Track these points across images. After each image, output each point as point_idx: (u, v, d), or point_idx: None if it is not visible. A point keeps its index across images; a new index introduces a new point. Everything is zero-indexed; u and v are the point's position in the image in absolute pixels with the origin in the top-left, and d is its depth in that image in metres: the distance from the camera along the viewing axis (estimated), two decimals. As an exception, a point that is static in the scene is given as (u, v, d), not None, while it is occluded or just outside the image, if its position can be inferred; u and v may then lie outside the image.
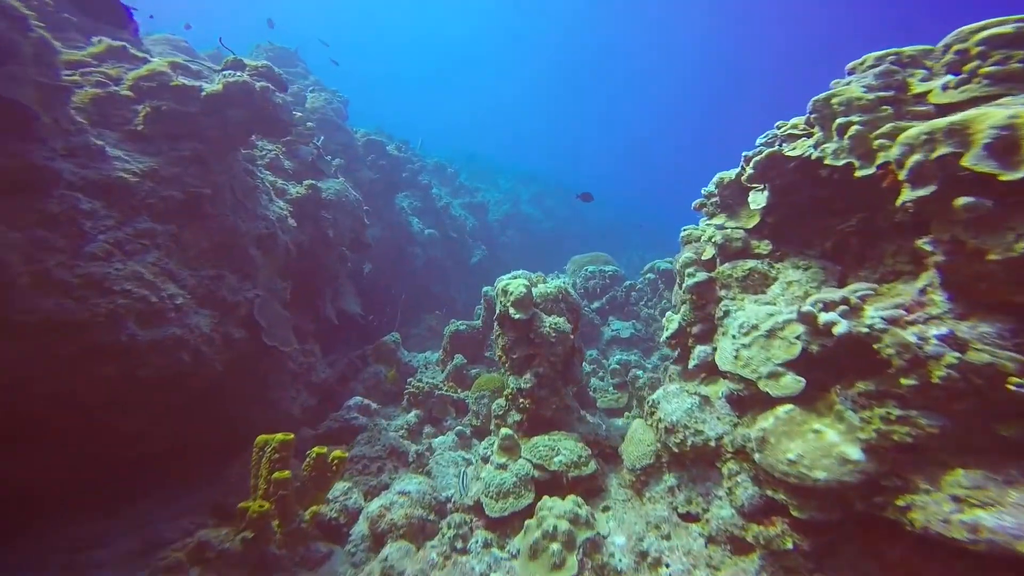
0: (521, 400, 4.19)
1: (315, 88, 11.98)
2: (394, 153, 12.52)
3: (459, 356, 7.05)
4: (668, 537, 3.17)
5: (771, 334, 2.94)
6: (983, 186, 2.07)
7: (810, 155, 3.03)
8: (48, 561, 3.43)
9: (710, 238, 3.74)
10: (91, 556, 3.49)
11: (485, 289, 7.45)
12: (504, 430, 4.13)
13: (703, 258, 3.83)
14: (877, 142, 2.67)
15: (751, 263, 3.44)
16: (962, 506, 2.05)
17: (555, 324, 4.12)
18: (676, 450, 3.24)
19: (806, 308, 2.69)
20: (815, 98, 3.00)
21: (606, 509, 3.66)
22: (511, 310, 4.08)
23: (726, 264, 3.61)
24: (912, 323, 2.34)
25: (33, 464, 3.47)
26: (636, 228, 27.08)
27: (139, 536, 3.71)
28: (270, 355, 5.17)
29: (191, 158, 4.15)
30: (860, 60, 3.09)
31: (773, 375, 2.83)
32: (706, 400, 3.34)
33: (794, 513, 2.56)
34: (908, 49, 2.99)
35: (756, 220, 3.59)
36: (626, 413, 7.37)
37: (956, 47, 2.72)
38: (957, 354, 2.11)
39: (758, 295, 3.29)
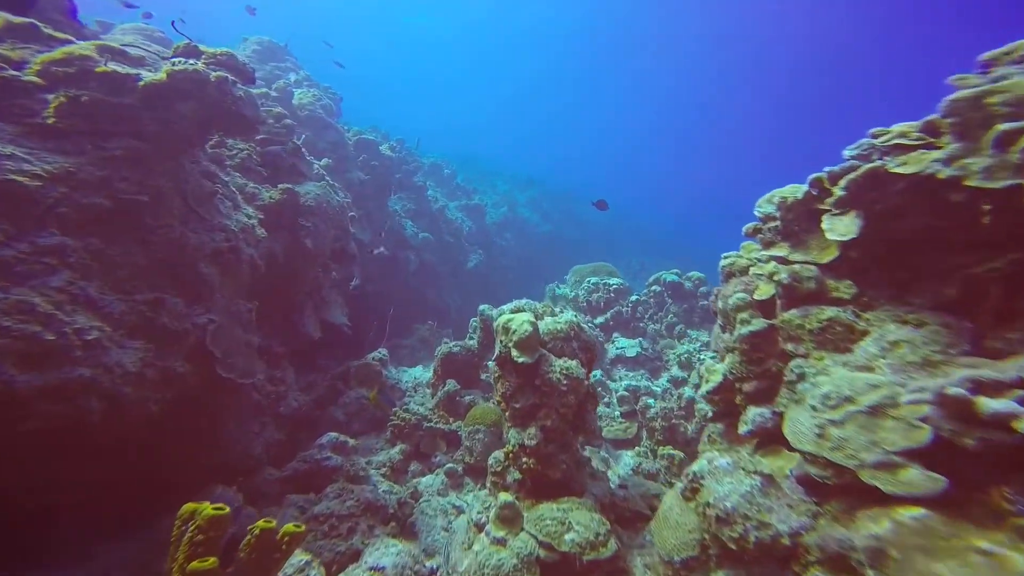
0: (524, 459, 3.45)
1: (304, 84, 11.24)
2: (387, 153, 11.78)
3: (451, 382, 6.31)
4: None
5: (876, 411, 2.22)
6: None
7: (936, 173, 2.33)
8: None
9: (771, 275, 2.98)
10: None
11: (482, 308, 6.71)
12: (503, 496, 3.39)
13: (757, 297, 3.09)
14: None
15: (829, 311, 2.70)
16: None
17: (567, 369, 3.38)
18: (733, 546, 2.50)
19: (954, 391, 1.97)
20: (954, 97, 2.24)
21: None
22: (513, 352, 3.34)
23: (794, 311, 2.87)
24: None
25: None
26: (634, 233, 26.56)
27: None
28: (226, 389, 4.40)
29: (123, 158, 3.37)
30: (1005, 49, 2.30)
31: (885, 465, 2.12)
32: (769, 480, 2.55)
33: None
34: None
35: (833, 254, 2.84)
36: (636, 447, 6.71)
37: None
38: None
39: (844, 354, 2.56)
